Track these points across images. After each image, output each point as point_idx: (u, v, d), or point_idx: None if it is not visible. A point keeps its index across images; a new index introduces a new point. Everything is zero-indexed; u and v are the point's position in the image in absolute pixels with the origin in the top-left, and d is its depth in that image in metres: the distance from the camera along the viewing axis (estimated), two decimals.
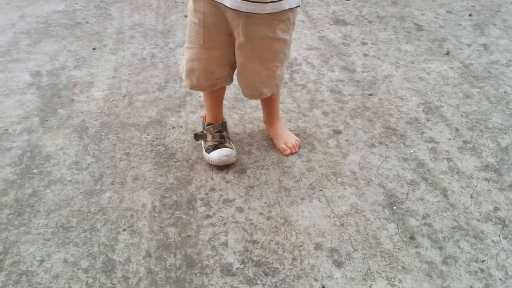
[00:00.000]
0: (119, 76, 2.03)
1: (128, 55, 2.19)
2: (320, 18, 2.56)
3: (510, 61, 2.11)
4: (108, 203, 1.38)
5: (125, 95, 1.89)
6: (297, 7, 1.34)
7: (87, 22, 2.50)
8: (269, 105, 1.61)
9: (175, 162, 1.54)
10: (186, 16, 1.38)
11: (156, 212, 1.35)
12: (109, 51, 2.22)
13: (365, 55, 2.19)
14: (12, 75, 2.03)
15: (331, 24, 2.49)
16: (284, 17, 1.33)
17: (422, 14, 2.58)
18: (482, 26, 2.44)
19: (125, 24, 2.49)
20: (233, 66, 1.45)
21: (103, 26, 2.46)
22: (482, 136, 1.66)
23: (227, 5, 1.26)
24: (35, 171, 1.51)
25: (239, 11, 1.26)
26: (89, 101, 1.86)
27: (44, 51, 2.22)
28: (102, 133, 1.68)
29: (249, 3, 1.24)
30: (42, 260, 1.20)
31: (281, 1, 1.28)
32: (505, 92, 1.90)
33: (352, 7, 2.69)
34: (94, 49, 2.23)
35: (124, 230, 1.29)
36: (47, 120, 1.75)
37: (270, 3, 1.26)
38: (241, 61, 1.39)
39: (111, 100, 1.86)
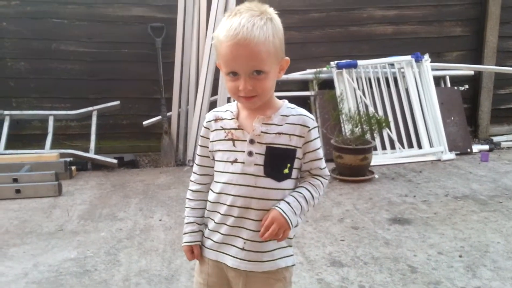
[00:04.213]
0: None
1: None
2: (317, 259, 2.69)
3: None
4: None
5: None
6: (292, 265, 1.47)
7: (96, 269, 2.63)
8: None
9: None
10: None
11: None
12: None
13: None
14: None
15: (328, 266, 2.61)
16: (280, 276, 1.44)
17: (415, 255, 2.72)
18: (473, 268, 2.54)
19: (132, 270, 2.61)
20: None
21: (111, 273, 2.57)
22: None
23: (228, 264, 1.40)
24: None
25: (239, 270, 1.39)
26: None
27: None
28: None
29: (247, 262, 1.39)
30: None
31: (277, 260, 1.42)
32: None
33: (347, 247, 2.85)
34: None
35: None
36: None
37: (266, 262, 1.40)
38: None
39: None
